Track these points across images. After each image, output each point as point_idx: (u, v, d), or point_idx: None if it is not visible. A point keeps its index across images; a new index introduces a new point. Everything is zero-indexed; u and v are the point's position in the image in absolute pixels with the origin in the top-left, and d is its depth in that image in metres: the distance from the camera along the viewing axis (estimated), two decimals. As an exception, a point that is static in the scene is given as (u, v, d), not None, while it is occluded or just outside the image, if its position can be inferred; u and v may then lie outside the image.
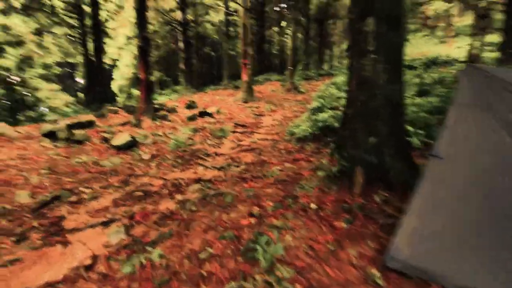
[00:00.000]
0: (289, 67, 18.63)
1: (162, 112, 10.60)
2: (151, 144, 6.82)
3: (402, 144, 3.36)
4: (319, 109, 8.46)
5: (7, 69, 20.96)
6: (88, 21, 15.91)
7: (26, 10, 14.86)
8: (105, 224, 3.51)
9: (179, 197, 4.10)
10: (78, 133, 6.86)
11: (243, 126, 8.98)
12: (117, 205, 3.98)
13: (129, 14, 20.74)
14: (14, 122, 19.19)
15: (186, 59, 21.65)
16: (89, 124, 8.16)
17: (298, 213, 3.03)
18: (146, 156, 5.97)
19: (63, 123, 7.47)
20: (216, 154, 6.21)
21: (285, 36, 42.16)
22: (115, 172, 5.09)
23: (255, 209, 3.21)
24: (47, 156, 5.66)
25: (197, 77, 29.00)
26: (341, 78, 15.42)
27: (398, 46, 3.24)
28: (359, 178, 3.17)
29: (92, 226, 3.47)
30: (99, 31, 14.92)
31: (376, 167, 3.16)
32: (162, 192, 4.35)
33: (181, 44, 21.51)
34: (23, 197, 4.01)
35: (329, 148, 5.61)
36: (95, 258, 2.78)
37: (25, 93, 24.97)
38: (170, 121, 9.20)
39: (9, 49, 15.27)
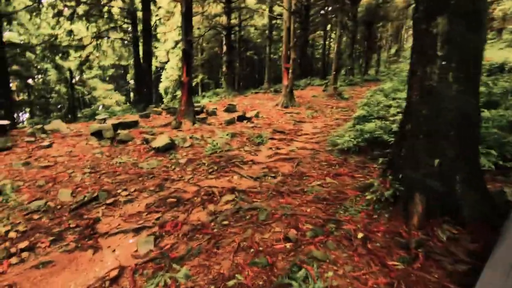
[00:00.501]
0: (333, 72, 17.89)
1: (202, 115, 10.70)
2: (188, 148, 6.81)
3: (475, 169, 2.77)
4: (365, 118, 7.81)
5: (70, 70, 23.18)
6: (140, 26, 16.85)
7: (88, 16, 16.18)
8: (136, 231, 3.43)
9: (211, 207, 3.90)
10: (123, 133, 7.10)
11: (282, 132, 8.66)
12: (149, 211, 3.91)
13: (178, 19, 21.66)
14: (73, 119, 21.11)
15: (229, 62, 21.95)
16: (134, 124, 8.47)
17: (341, 242, 2.62)
18: (182, 160, 5.94)
19: (110, 122, 7.83)
20: (253, 162, 5.96)
21: (329, 39, 40.97)
22: (152, 175, 5.09)
23: (292, 232, 2.87)
24: (91, 155, 5.89)
25: (238, 80, 29.34)
26: (389, 85, 14.35)
27: (477, 51, 2.67)
28: (418, 207, 2.67)
29: (124, 232, 3.41)
30: (149, 35, 15.71)
31: (441, 195, 2.63)
32: (194, 200, 4.20)
33: (224, 48, 21.86)
34: (65, 195, 4.13)
35: (377, 163, 5.05)
36: (122, 270, 2.67)
37: (84, 92, 27.43)
38: (209, 124, 9.22)
39: (72, 52, 16.75)
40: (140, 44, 16.34)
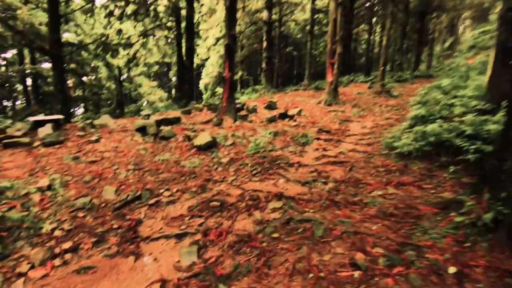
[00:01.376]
0: (380, 68, 16.62)
1: (243, 112, 10.45)
2: (230, 146, 6.55)
3: None
4: (424, 119, 6.89)
5: (119, 68, 24.53)
6: (183, 24, 17.12)
7: (135, 16, 16.80)
8: (179, 237, 3.18)
9: (257, 215, 3.54)
10: (165, 129, 7.06)
11: (328, 132, 8.05)
12: (192, 214, 3.66)
13: (220, 16, 21.75)
14: (121, 114, 22.33)
15: (268, 58, 21.52)
16: (176, 121, 8.46)
17: (428, 277, 2.07)
18: (224, 159, 5.67)
19: (153, 118, 7.87)
20: (299, 164, 5.50)
21: (375, 33, 38.59)
22: (194, 175, 4.88)
23: (359, 257, 2.38)
24: (135, 151, 5.88)
25: (277, 77, 28.82)
26: (447, 81, 12.85)
27: None
28: (536, 238, 2.02)
29: (166, 237, 3.19)
30: (192, 32, 15.87)
31: None
32: (239, 206, 3.87)
33: (264, 44, 21.48)
34: (109, 193, 4.06)
35: (447, 172, 4.30)
36: (163, 284, 2.40)
37: (131, 88, 28.93)
38: (250, 121, 8.91)
39: (120, 50, 17.56)
40: (183, 41, 16.59)
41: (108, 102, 30.43)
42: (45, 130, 6.36)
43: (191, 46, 15.68)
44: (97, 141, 6.27)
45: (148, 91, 29.98)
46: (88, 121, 7.26)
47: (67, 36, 17.54)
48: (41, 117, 7.02)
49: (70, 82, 27.22)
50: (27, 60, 22.09)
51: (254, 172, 5.11)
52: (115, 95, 27.10)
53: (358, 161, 5.42)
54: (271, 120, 9.19)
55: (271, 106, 11.61)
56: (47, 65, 23.30)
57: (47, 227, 3.20)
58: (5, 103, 26.85)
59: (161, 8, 17.14)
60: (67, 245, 2.95)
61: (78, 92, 28.00)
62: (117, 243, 3.06)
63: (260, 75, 28.64)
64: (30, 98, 22.54)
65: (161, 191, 4.26)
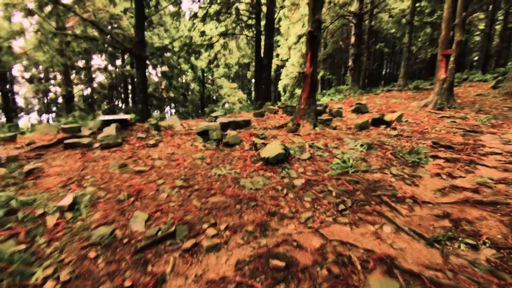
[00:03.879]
0: (518, 60, 12.40)
1: (324, 116, 8.68)
2: (307, 161, 4.96)
3: None
4: None
5: (203, 70, 25.51)
6: (263, 22, 16.22)
7: (218, 16, 16.71)
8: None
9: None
10: (230, 134, 5.95)
11: (448, 147, 5.64)
12: (239, 279, 2.26)
13: (303, 12, 20.21)
14: (202, 114, 23.04)
15: (356, 55, 18.92)
16: (245, 124, 7.33)
17: None
18: (298, 181, 4.13)
19: (220, 120, 6.88)
20: (414, 200, 3.54)
21: (495, 22, 31.01)
22: (254, 203, 3.49)
23: None
24: (191, 160, 4.87)
25: (365, 77, 25.59)
26: None
27: None
28: None
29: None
30: (272, 28, 14.79)
31: None
32: (315, 273, 2.30)
33: (352, 39, 18.96)
34: (139, 222, 3.00)
35: None
36: None
37: (213, 90, 30.04)
38: (334, 128, 7.11)
39: (202, 51, 17.79)
40: (262, 38, 15.67)
41: (194, 103, 32.31)
42: (109, 131, 5.98)
43: (270, 43, 14.60)
44: (154, 145, 5.54)
45: (229, 93, 30.62)
46: (153, 122, 6.72)
47: (155, 39, 18.66)
48: (109, 116, 6.79)
49: (162, 84, 29.86)
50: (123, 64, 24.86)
51: (342, 207, 3.42)
52: (198, 96, 28.44)
53: (526, 205, 3.15)
54: (362, 127, 7.19)
55: (360, 110, 9.49)
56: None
57: (39, 274, 2.26)
58: (115, 102, 31.19)
59: (242, 6, 16.64)
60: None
61: (170, 93, 30.43)
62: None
63: (345, 75, 25.91)
64: (128, 99, 25.33)
65: (205, 226, 3.00)
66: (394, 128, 7.31)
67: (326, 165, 4.81)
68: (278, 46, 26.35)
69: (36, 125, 8.19)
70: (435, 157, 5.12)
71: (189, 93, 28.10)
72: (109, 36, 10.84)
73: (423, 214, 3.25)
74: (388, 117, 8.04)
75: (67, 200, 3.14)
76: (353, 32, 18.92)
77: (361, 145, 5.61)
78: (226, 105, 30.03)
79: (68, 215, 3.02)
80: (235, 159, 5.06)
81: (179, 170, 4.41)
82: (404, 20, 23.20)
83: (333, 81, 25.48)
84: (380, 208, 3.40)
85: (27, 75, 26.83)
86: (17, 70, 27.76)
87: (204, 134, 6.01)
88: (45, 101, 32.07)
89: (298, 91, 23.42)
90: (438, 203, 3.48)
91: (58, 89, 26.83)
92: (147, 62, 24.97)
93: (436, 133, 6.88)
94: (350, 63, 18.97)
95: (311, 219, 3.19)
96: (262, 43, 15.73)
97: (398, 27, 27.38)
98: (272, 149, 4.88)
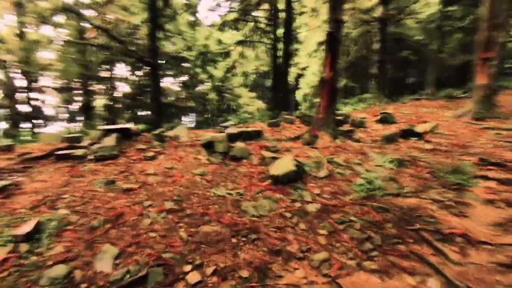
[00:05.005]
0: None
1: (346, 127, 7.85)
2: (324, 180, 4.19)
3: None
4: None
5: (221, 80, 25.37)
6: (280, 29, 15.72)
7: (236, 24, 16.43)
8: None
9: None
10: (238, 147, 5.30)
11: (499, 165, 4.64)
12: None
13: (323, 18, 19.55)
14: (217, 124, 22.73)
15: (381, 62, 17.90)
16: (256, 135, 6.66)
17: None
18: (312, 207, 3.37)
19: (228, 131, 6.27)
20: (465, 237, 2.68)
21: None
22: (255, 235, 2.78)
23: None
24: (190, 176, 4.25)
25: (390, 85, 24.29)
26: None
27: None
28: None
29: None
30: (289, 34, 14.22)
31: None
32: None
33: (376, 45, 17.99)
34: (106, 258, 2.38)
35: None
36: None
37: (230, 99, 29.82)
38: (356, 140, 6.28)
39: (219, 60, 17.53)
40: (280, 45, 15.12)
41: (213, 112, 32.21)
42: (108, 141, 5.52)
43: (288, 51, 14.01)
44: (153, 158, 5.00)
45: (247, 102, 30.23)
46: (156, 132, 6.23)
47: (171, 49, 18.65)
48: (110, 126, 6.38)
49: (181, 93, 30.06)
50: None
51: (368, 246, 2.63)
52: (216, 105, 28.28)
53: None
54: (390, 139, 6.30)
55: (386, 120, 8.56)
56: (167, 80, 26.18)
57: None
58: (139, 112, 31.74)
59: (260, 13, 16.27)
60: None
61: (190, 103, 30.52)
62: None
63: (368, 83, 24.76)
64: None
65: (187, 268, 2.33)
66: (428, 141, 6.35)
67: (348, 185, 4.02)
68: (297, 55, 25.74)
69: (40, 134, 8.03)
70: (484, 177, 4.17)
71: (208, 102, 28.00)
72: (122, 44, 10.80)
73: (481, 260, 2.40)
74: (419, 128, 7.08)
75: (26, 228, 2.59)
76: (377, 38, 17.98)
77: (390, 161, 4.75)
78: (244, 115, 29.63)
79: (24, 247, 2.46)
80: (240, 176, 4.38)
81: (173, 189, 3.80)
82: (432, 26, 21.91)
83: (356, 89, 24.37)
84: (419, 248, 2.58)
85: (54, 84, 27.91)
86: (46, 80, 29.07)
87: (209, 146, 5.41)
88: (71, 110, 33.32)
89: (318, 101, 22.64)
90: (499, 244, 2.60)
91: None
92: (168, 72, 25.24)
93: (479, 147, 5.84)
94: (374, 70, 17.95)
95: (327, 263, 2.43)
96: (281, 51, 15.19)
97: (425, 33, 25.90)
98: (283, 165, 4.17)
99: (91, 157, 4.91)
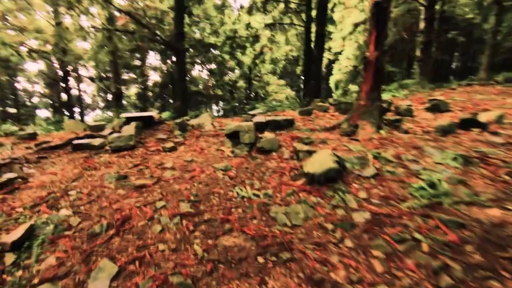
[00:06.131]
0: None
1: (390, 115, 6.87)
2: (371, 180, 3.44)
3: None
4: None
5: (250, 67, 24.64)
6: (314, 12, 14.54)
7: (264, 6, 15.51)
8: None
9: None
10: (266, 137, 4.66)
11: None
12: None
13: (360, -4, 17.92)
14: (244, 112, 22.19)
15: (426, 43, 16.07)
16: (288, 124, 5.98)
17: None
18: (360, 217, 2.67)
19: (256, 120, 5.65)
20: None
21: None
22: (287, 253, 2.17)
23: None
24: (211, 172, 3.71)
25: (434, 70, 22.06)
26: None
27: None
28: None
29: None
30: (323, 15, 13.06)
31: None
32: None
33: (421, 25, 16.15)
34: (101, 279, 1.91)
35: None
36: None
37: (259, 86, 29.09)
38: (405, 131, 5.35)
39: (248, 45, 16.78)
40: (313, 31, 14.01)
41: (240, 101, 31.77)
42: (127, 130, 5.17)
43: (322, 33, 12.89)
44: (172, 149, 4.53)
45: (276, 90, 29.32)
46: (178, 121, 5.77)
47: (199, 36, 18.16)
48: (132, 113, 6.04)
49: (209, 82, 29.84)
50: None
51: (445, 279, 1.90)
52: (244, 93, 27.72)
53: None
54: (447, 130, 5.30)
55: (438, 107, 7.41)
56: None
57: None
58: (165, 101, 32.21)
59: (291, -6, 15.18)
60: None
61: (218, 91, 30.29)
62: None
63: (410, 67, 22.69)
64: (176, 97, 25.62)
65: (198, 300, 1.78)
66: (495, 133, 5.25)
67: (402, 188, 3.24)
68: (330, 38, 24.18)
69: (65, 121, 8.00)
70: None
71: (235, 90, 27.53)
72: (148, 29, 10.48)
73: None
74: (483, 117, 5.94)
75: (14, 234, 2.19)
76: (422, 16, 16.10)
77: (453, 158, 3.85)
78: (273, 103, 28.79)
79: (9, 258, 2.06)
80: (268, 172, 3.76)
81: (190, 187, 3.28)
82: (486, 1, 19.32)
83: (397, 74, 22.42)
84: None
85: (89, 74, 28.95)
86: (83, 70, 30.30)
87: (234, 136, 4.83)
88: (107, 98, 34.60)
89: (352, 88, 21.02)
90: None
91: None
92: (196, 60, 25.00)
93: None
94: (418, 53, 16.20)
95: (388, 302, 1.75)
96: (313, 34, 14.08)
97: (479, 10, 22.97)
98: (320, 161, 3.47)
99: (108, 147, 4.57)
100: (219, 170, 3.77)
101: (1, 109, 26.79)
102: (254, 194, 3.14)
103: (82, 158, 4.12)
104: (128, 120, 5.70)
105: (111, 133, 5.40)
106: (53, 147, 4.54)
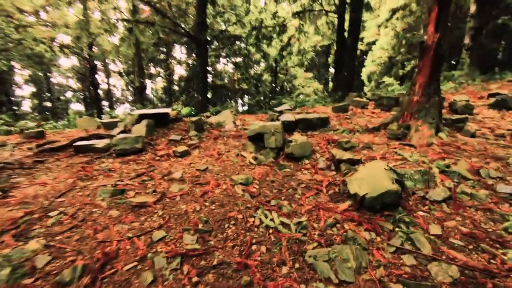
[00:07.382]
0: None
1: (445, 112, 5.73)
2: (443, 206, 2.52)
3: None
4: None
5: (276, 60, 23.60)
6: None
7: (292, -7, 14.42)
8: None
9: None
10: (297, 141, 3.82)
11: None
12: None
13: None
14: (269, 108, 21.30)
15: (476, 30, 14.19)
16: (321, 124, 5.08)
17: None
18: (439, 272, 1.78)
19: (283, 118, 4.81)
20: None
21: None
22: None
23: None
24: (229, 184, 2.97)
25: (485, 59, 19.72)
26: None
27: None
28: None
29: None
30: (359, 3, 11.75)
31: None
32: None
33: (472, 8, 14.25)
34: None
35: None
36: None
37: (286, 80, 28.00)
38: (472, 135, 4.26)
39: (274, 36, 15.80)
40: (347, 17, 12.73)
41: (265, 94, 30.81)
42: (137, 130, 4.57)
43: (357, 18, 11.62)
44: (184, 154, 3.85)
45: (303, 83, 28.06)
46: (194, 119, 5.08)
47: (223, 27, 17.40)
48: (146, 110, 5.46)
49: (234, 75, 29.17)
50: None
51: None
52: (270, 87, 26.75)
53: None
54: (530, 134, 4.14)
55: (505, 104, 6.13)
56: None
57: None
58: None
59: (323, -23, 13.93)
60: None
61: (243, 85, 29.60)
62: None
63: (454, 57, 20.46)
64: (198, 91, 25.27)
65: None
66: None
67: (490, 219, 2.29)
68: (363, 27, 22.44)
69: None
70: None
71: (261, 84, 26.63)
72: (168, 19, 9.92)
73: None
74: None
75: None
76: (473, -2, 14.18)
77: (557, 176, 2.79)
78: (301, 97, 27.61)
79: None
80: (300, 188, 2.95)
81: (200, 208, 2.56)
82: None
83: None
84: None
85: (118, 68, 29.44)
86: (111, 64, 30.94)
87: (257, 139, 4.05)
88: (135, 93, 35.23)
89: (387, 80, 19.29)
90: None
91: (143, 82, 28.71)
92: (221, 53, 24.41)
93: None
94: (467, 40, 14.36)
95: None
96: (347, 21, 12.80)
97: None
98: (370, 178, 2.59)
99: (113, 150, 3.98)
100: (238, 184, 3.01)
101: (37, 102, 28.07)
102: (282, 223, 2.34)
103: (81, 164, 3.56)
104: (141, 118, 5.12)
105: (122, 131, 4.85)
106: (54, 149, 4.05)
